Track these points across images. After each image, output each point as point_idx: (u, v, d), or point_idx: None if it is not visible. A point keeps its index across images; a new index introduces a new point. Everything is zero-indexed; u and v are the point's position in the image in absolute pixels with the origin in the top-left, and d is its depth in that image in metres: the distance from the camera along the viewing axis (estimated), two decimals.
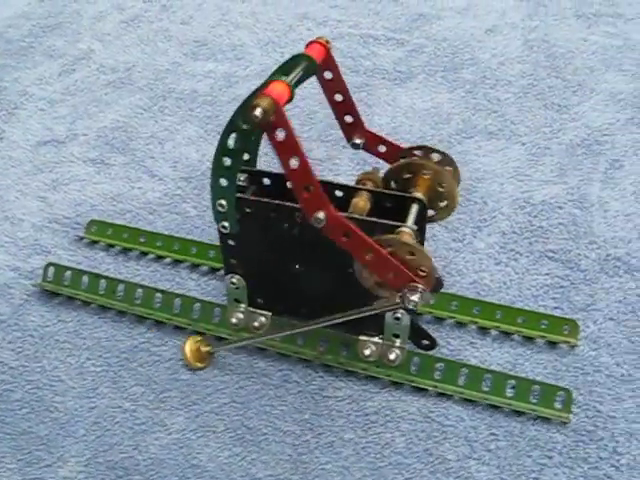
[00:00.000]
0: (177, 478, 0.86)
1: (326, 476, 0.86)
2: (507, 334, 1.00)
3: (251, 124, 0.77)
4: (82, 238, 1.17)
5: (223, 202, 0.87)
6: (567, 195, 1.22)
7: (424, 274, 0.82)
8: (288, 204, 0.87)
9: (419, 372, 0.94)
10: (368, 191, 0.90)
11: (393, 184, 0.93)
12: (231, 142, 0.82)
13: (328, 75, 0.91)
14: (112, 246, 1.15)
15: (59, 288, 1.07)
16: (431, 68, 1.52)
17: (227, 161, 0.83)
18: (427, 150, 0.92)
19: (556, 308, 1.03)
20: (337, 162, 1.28)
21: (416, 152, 0.93)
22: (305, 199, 0.80)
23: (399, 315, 0.90)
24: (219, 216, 0.89)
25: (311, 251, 0.89)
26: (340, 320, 0.88)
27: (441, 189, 0.90)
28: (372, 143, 0.96)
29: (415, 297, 0.81)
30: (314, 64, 0.86)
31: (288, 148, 0.77)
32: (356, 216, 0.86)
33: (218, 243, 0.94)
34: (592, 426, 0.89)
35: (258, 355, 0.98)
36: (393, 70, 1.51)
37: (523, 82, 1.47)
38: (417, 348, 0.95)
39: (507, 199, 1.21)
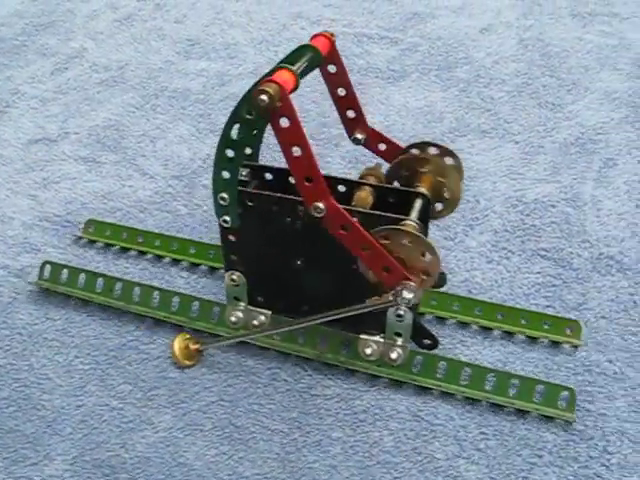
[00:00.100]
0: (163, 476, 0.85)
1: (314, 475, 0.85)
2: (510, 334, 0.99)
3: (257, 110, 0.76)
4: (80, 238, 1.16)
5: (225, 195, 0.86)
6: (560, 194, 1.21)
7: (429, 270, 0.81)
8: (291, 197, 0.86)
9: (421, 371, 0.93)
10: (371, 186, 0.89)
11: (396, 180, 0.92)
12: (234, 133, 0.81)
13: (332, 69, 0.90)
14: (106, 245, 1.14)
15: (55, 286, 1.06)
16: (425, 67, 1.52)
17: (230, 153, 0.83)
18: (431, 146, 0.91)
19: (548, 307, 1.03)
20: (329, 160, 1.28)
21: (420, 148, 0.92)
22: (306, 188, 0.79)
23: (401, 313, 0.88)
24: (220, 210, 0.88)
25: (314, 246, 0.87)
26: (331, 318, 0.87)
27: (445, 185, 0.90)
28: (373, 140, 0.95)
29: (408, 295, 0.80)
30: (319, 55, 0.85)
31: (292, 136, 0.77)
32: (360, 209, 0.85)
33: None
34: (582, 425, 0.88)
35: (247, 353, 0.98)
36: (387, 69, 1.51)
37: (517, 81, 1.47)
38: (419, 347, 0.94)
39: (499, 197, 1.20)
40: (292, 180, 0.86)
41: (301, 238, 0.87)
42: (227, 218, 0.88)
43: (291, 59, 0.82)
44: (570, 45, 1.57)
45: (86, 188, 1.26)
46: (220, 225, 0.90)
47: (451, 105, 1.41)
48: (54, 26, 1.70)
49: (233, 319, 0.97)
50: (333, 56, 0.88)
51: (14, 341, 1.01)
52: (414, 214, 0.84)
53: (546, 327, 0.98)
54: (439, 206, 0.93)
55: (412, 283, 0.81)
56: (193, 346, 0.96)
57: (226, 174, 0.84)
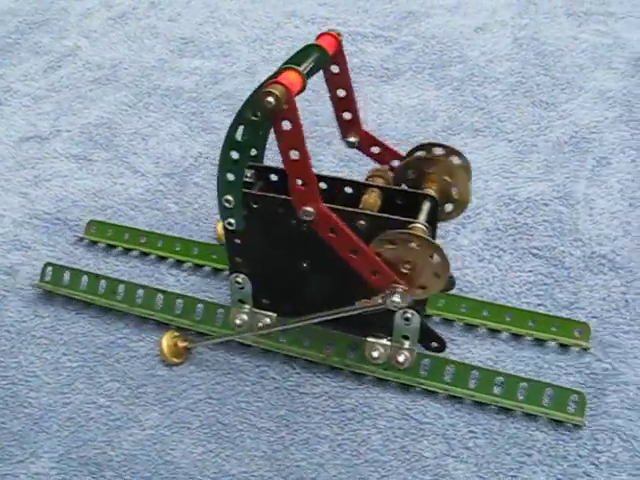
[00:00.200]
0: (150, 474, 0.85)
1: (301, 473, 0.84)
2: (518, 336, 0.98)
3: (262, 112, 0.75)
4: (82, 239, 1.15)
5: (230, 198, 0.85)
6: (553, 192, 1.20)
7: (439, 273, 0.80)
8: None
9: (429, 375, 0.92)
10: (379, 188, 0.87)
11: (404, 182, 0.91)
12: (239, 135, 0.80)
13: (335, 69, 0.88)
14: (95, 243, 1.14)
15: (57, 288, 1.05)
16: (419, 65, 1.51)
17: (234, 155, 0.81)
18: (438, 147, 0.90)
19: (539, 305, 1.02)
20: (321, 159, 1.27)
21: (426, 149, 0.90)
22: (298, 191, 0.79)
23: (409, 316, 0.88)
24: (225, 212, 0.86)
25: (320, 248, 0.84)
26: (319, 320, 0.87)
27: (453, 186, 0.88)
28: (367, 143, 0.93)
29: (397, 298, 0.80)
30: (326, 56, 0.83)
31: (292, 139, 0.76)
32: (368, 212, 0.83)
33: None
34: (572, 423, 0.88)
35: (235, 351, 0.97)
36: (380, 67, 1.50)
37: (511, 80, 1.47)
38: (426, 350, 0.93)
39: (492, 196, 1.20)
40: None
41: (307, 240, 0.85)
42: (232, 220, 0.87)
43: (297, 59, 0.80)
44: (565, 44, 1.56)
45: (77, 186, 1.26)
46: (225, 228, 0.89)
47: (444, 104, 1.40)
48: (48, 24, 1.69)
49: (238, 322, 0.96)
50: (338, 56, 0.86)
51: (2, 339, 1.00)
52: (422, 216, 0.83)
53: (554, 329, 0.97)
54: (448, 207, 0.90)
55: (401, 287, 0.80)
56: (181, 344, 0.96)
57: (231, 176, 0.83)
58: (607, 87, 1.44)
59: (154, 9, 1.74)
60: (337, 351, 0.94)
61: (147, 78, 1.51)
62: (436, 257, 0.80)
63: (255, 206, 0.86)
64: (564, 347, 0.96)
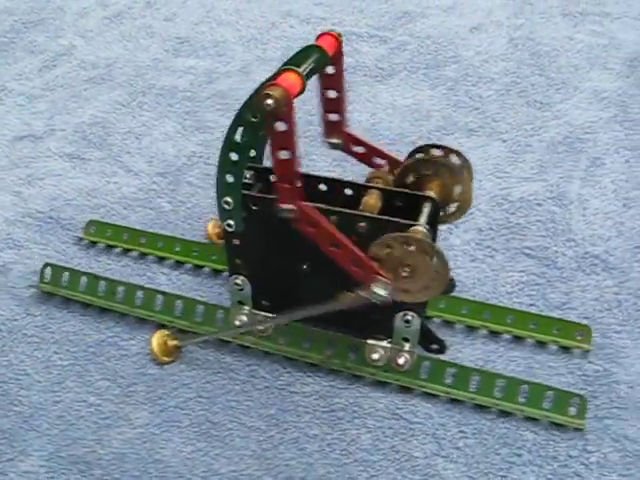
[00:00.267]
0: (139, 473, 0.85)
1: (290, 472, 0.84)
2: (520, 338, 0.98)
3: (261, 114, 0.75)
4: (81, 239, 1.15)
5: (229, 199, 0.84)
6: (546, 192, 1.20)
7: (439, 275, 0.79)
8: None
9: (429, 377, 0.92)
10: (379, 189, 0.86)
11: (404, 184, 0.89)
12: (238, 136, 0.79)
13: (330, 70, 0.86)
14: (95, 243, 1.14)
15: (56, 289, 1.05)
16: (413, 65, 1.51)
17: (234, 156, 0.81)
18: (440, 149, 0.89)
19: (531, 305, 1.02)
20: (314, 158, 1.27)
21: (428, 150, 0.89)
22: (282, 189, 0.79)
23: (409, 318, 0.88)
24: (224, 214, 0.86)
25: (320, 250, 0.84)
26: (303, 316, 0.86)
27: (455, 187, 0.87)
28: (351, 143, 0.92)
29: (377, 289, 0.79)
30: (326, 57, 0.81)
31: (285, 140, 0.76)
32: (368, 214, 0.83)
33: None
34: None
35: (226, 350, 0.97)
36: (375, 67, 1.50)
37: (506, 80, 1.46)
38: (426, 352, 0.93)
39: (485, 196, 1.20)
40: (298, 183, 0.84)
41: (307, 242, 0.84)
42: (231, 222, 0.87)
43: (297, 60, 0.79)
44: (560, 44, 1.56)
45: (71, 185, 1.25)
46: (224, 229, 0.88)
47: (439, 103, 1.40)
48: (43, 23, 1.69)
49: (237, 323, 0.95)
50: (336, 57, 0.85)
51: None
52: (423, 219, 0.82)
53: (555, 332, 0.97)
54: (450, 209, 0.89)
55: (383, 279, 0.80)
56: (172, 342, 0.95)
57: (230, 178, 0.83)
58: (602, 87, 1.44)
59: (150, 9, 1.74)
60: (337, 353, 0.94)
61: (142, 77, 1.51)
62: (436, 260, 0.79)
63: (254, 208, 0.86)
64: (565, 349, 0.96)
